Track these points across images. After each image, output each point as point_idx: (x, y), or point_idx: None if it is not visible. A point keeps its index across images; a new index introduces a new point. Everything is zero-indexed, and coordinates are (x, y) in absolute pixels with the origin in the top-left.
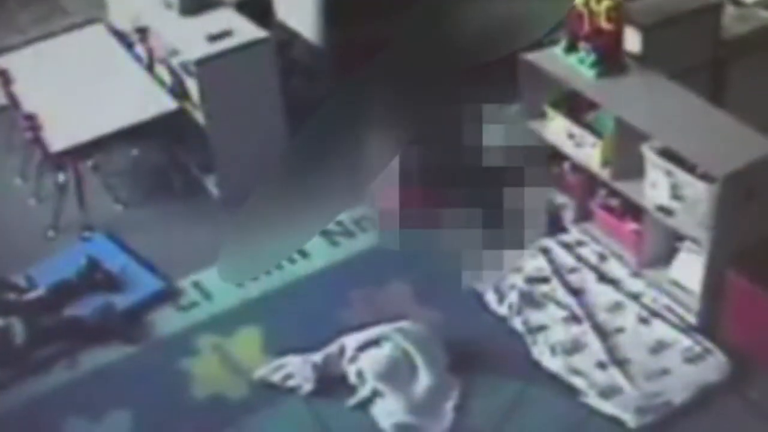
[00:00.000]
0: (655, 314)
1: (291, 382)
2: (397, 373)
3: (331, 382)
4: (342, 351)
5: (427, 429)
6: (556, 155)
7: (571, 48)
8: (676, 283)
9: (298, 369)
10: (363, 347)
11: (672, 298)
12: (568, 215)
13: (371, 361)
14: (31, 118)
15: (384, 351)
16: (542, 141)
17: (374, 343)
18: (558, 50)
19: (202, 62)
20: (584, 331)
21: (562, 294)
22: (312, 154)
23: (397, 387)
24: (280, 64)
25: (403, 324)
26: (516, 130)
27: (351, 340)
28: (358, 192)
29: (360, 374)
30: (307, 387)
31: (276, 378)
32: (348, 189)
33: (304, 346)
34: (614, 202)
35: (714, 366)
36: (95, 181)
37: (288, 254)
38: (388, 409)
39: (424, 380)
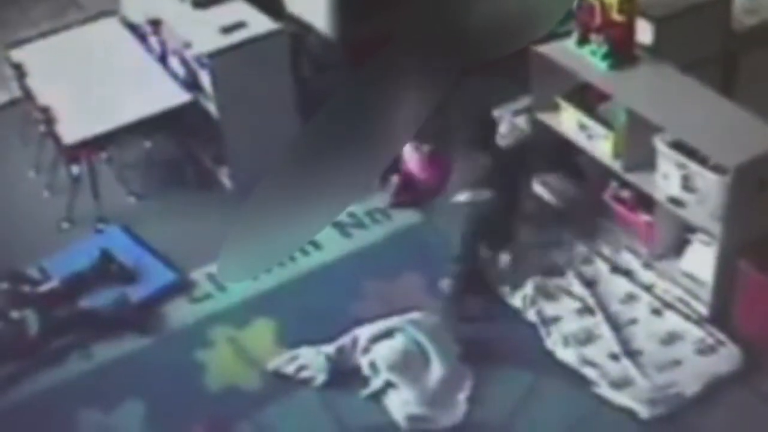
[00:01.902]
0: (668, 306)
1: (304, 374)
2: (410, 364)
3: (345, 374)
4: (355, 342)
5: (440, 420)
6: (567, 147)
7: (583, 40)
8: (688, 275)
9: (311, 361)
10: (376, 339)
11: (684, 290)
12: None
13: (384, 352)
14: (45, 110)
15: (397, 343)
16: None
17: (387, 334)
18: (570, 42)
19: (215, 54)
20: (597, 323)
21: (575, 285)
22: (323, 144)
23: (410, 378)
24: (292, 57)
25: (416, 315)
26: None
27: (364, 332)
28: (370, 181)
29: (373, 366)
30: (321, 378)
31: (289, 370)
32: (360, 178)
33: (317, 338)
34: (626, 194)
35: (726, 357)
36: (109, 174)
37: (298, 247)
38: (402, 401)
39: (436, 371)
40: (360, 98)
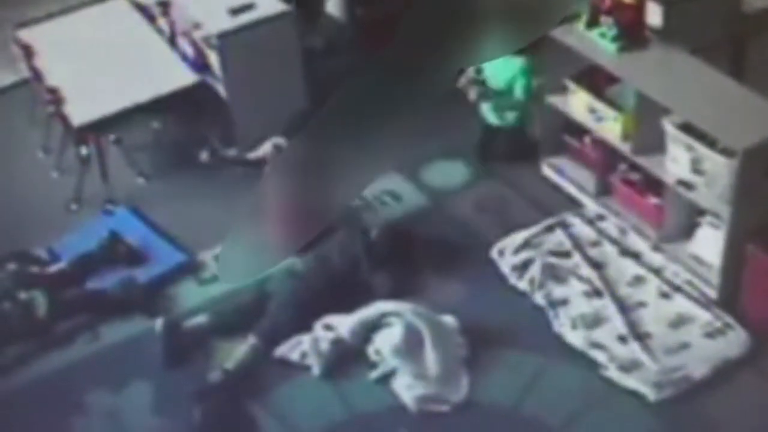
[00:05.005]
0: (676, 289)
1: (309, 361)
2: (412, 348)
3: (351, 358)
4: (355, 328)
5: (448, 397)
6: (576, 129)
7: (593, 22)
8: (696, 258)
9: (313, 347)
10: (374, 328)
11: (692, 273)
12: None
13: (386, 339)
14: (53, 91)
15: (396, 329)
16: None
17: (386, 324)
18: (579, 25)
19: (224, 36)
20: (605, 305)
21: (583, 268)
22: (335, 130)
23: (414, 362)
24: (301, 38)
25: (410, 305)
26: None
27: (361, 316)
28: (385, 166)
29: (378, 353)
30: (323, 364)
31: (294, 356)
32: (374, 163)
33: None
34: (635, 177)
35: (734, 341)
36: (117, 155)
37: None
38: (407, 384)
39: (434, 351)
40: (372, 85)
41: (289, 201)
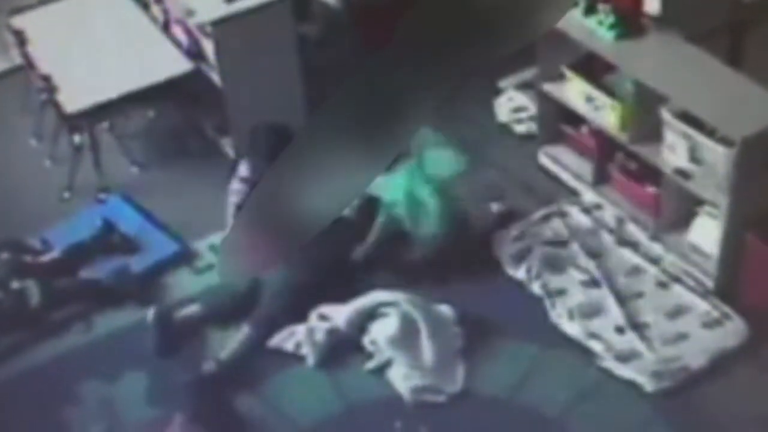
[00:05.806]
0: (674, 278)
1: (303, 350)
2: (408, 339)
3: (346, 349)
4: (351, 318)
5: (443, 387)
6: (573, 117)
7: (590, 10)
8: (694, 247)
9: (308, 337)
10: (370, 317)
11: (690, 263)
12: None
13: (382, 330)
14: (46, 79)
15: (393, 319)
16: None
17: (380, 313)
18: (576, 12)
19: (218, 23)
20: (603, 295)
21: (581, 257)
22: (334, 129)
23: (410, 352)
24: (296, 26)
25: (406, 295)
26: None
27: (356, 306)
28: (385, 162)
29: (374, 343)
30: (318, 354)
31: (289, 346)
32: (376, 160)
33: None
34: (632, 166)
35: (732, 331)
36: (111, 143)
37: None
38: (403, 374)
39: (430, 341)
40: (372, 84)
41: (279, 213)
